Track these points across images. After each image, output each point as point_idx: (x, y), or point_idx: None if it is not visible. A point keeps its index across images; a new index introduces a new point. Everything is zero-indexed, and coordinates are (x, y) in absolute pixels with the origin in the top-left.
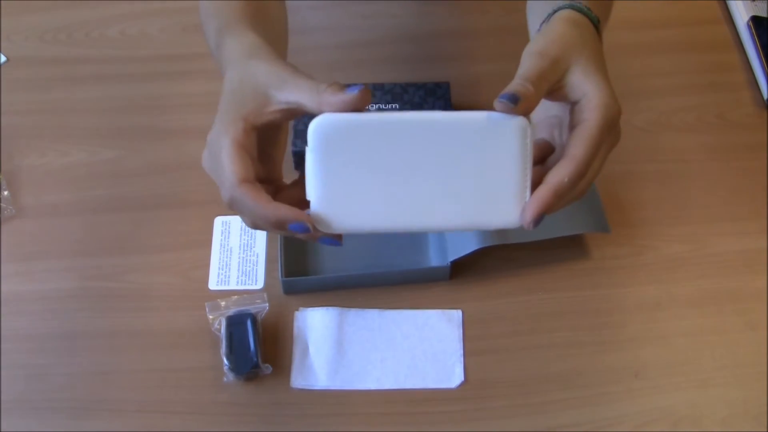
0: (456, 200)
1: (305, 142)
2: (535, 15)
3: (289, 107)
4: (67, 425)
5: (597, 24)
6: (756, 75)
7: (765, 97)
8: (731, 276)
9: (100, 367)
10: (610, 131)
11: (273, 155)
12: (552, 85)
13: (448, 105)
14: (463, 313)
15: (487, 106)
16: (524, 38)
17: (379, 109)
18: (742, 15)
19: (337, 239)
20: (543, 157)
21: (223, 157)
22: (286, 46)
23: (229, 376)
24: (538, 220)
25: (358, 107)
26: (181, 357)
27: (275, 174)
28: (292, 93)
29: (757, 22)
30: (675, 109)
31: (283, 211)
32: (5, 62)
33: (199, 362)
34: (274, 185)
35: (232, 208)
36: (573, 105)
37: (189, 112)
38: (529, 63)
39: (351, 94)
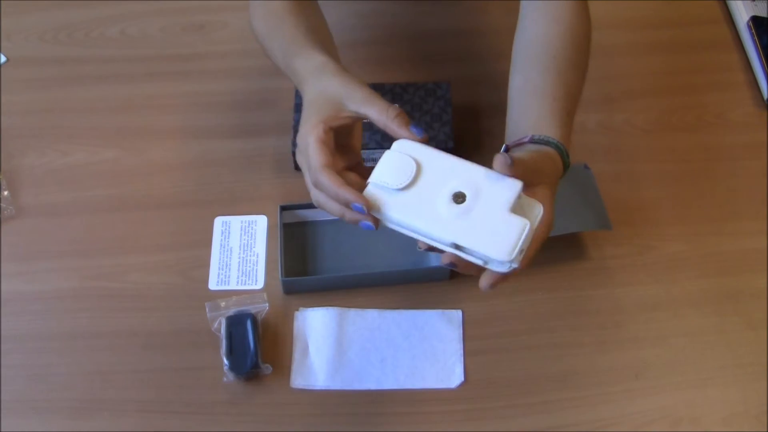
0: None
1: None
2: (519, 111)
3: (358, 116)
4: (67, 425)
5: (567, 158)
6: (756, 75)
7: (765, 97)
8: (731, 276)
9: (100, 367)
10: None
11: (352, 146)
12: (524, 172)
13: (448, 105)
14: (463, 313)
15: (486, 105)
16: None
17: None
18: (742, 15)
19: (373, 224)
20: None
21: (310, 152)
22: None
23: (229, 376)
24: (494, 286)
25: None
26: (181, 357)
27: (355, 159)
28: (362, 107)
29: (757, 22)
30: (675, 109)
31: (349, 193)
32: (5, 62)
33: (199, 362)
34: (356, 171)
35: (317, 187)
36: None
37: (189, 112)
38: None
39: (414, 134)
